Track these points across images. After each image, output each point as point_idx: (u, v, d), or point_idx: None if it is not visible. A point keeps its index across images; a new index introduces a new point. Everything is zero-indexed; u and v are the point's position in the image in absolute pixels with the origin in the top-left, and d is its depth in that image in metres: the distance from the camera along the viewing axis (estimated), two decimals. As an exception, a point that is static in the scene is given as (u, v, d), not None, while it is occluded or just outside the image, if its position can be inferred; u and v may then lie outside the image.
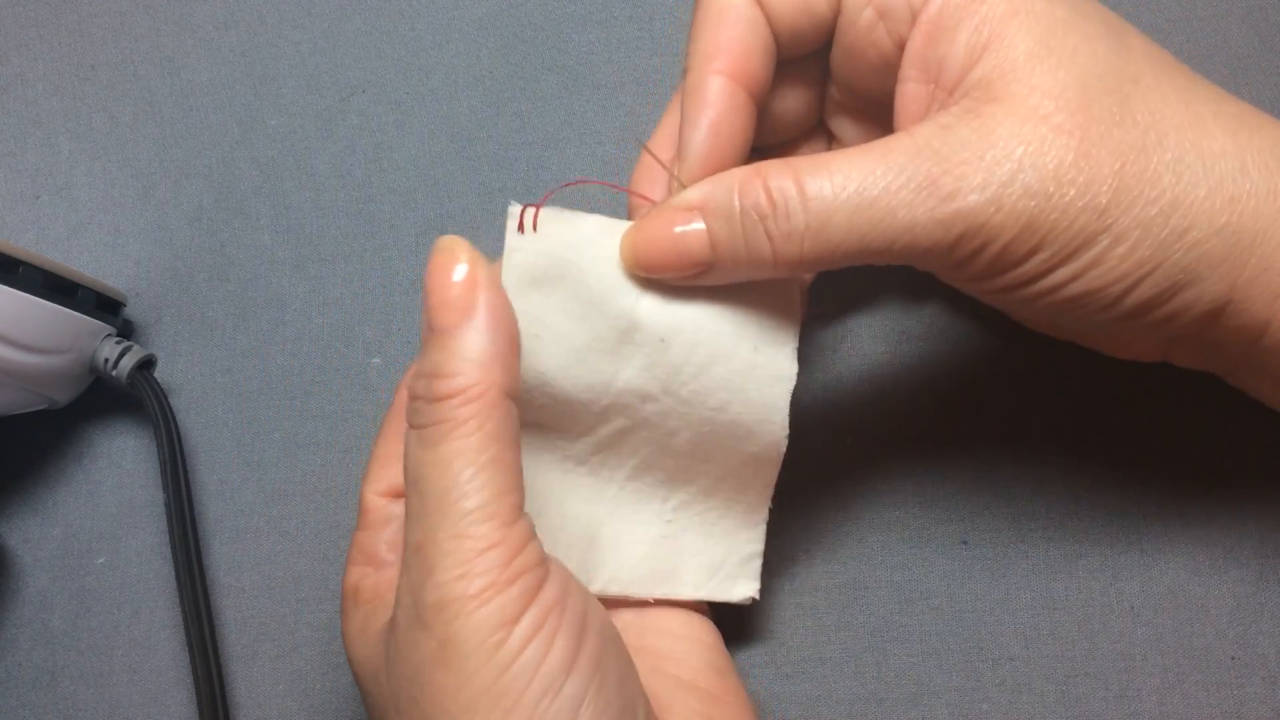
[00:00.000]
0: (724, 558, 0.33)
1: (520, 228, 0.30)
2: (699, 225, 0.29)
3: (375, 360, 0.41)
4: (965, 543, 0.37)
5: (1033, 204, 0.27)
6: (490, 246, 0.41)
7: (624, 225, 0.30)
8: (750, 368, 0.31)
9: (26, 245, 0.39)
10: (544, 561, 0.27)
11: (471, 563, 0.25)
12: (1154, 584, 0.36)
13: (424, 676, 0.26)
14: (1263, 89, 0.39)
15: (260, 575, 0.40)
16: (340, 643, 0.39)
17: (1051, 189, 0.27)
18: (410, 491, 0.27)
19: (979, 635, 0.37)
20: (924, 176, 0.27)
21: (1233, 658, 0.35)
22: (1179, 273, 0.28)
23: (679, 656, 0.33)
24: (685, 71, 0.31)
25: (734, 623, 0.36)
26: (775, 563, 0.34)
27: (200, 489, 0.41)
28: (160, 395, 0.39)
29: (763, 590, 0.34)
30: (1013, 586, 0.37)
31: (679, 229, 0.29)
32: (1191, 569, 0.36)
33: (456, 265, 0.27)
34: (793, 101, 0.34)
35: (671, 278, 0.30)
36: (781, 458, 0.32)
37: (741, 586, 0.33)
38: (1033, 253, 0.27)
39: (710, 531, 0.33)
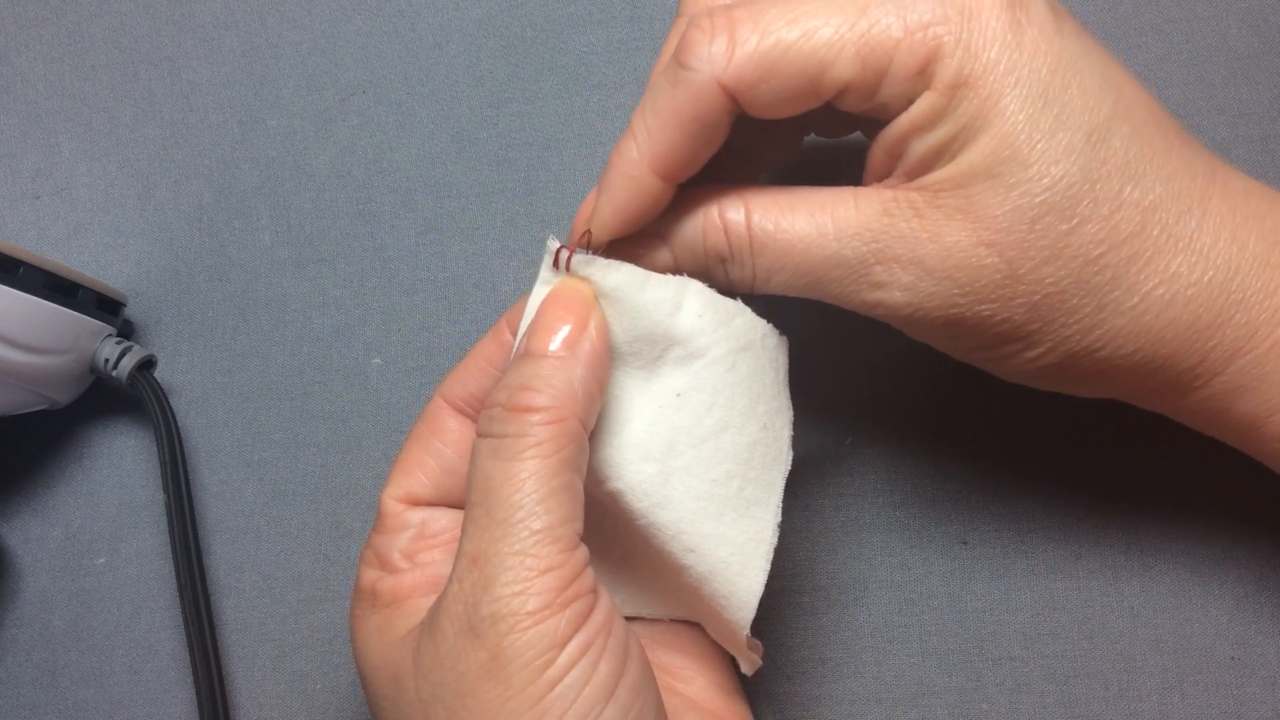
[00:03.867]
0: (724, 635, 0.32)
1: (555, 264, 0.30)
2: (665, 252, 0.31)
3: (375, 360, 0.41)
4: (965, 543, 0.37)
5: (951, 312, 0.29)
6: (489, 247, 0.41)
7: (656, 277, 0.30)
8: (757, 444, 0.30)
9: (27, 245, 0.39)
10: (595, 590, 0.27)
11: (531, 581, 0.26)
12: (1154, 584, 0.36)
13: (468, 686, 0.26)
14: (1262, 89, 0.39)
15: (260, 575, 0.40)
16: (340, 643, 0.39)
17: (970, 303, 0.28)
18: (475, 501, 0.27)
19: (979, 635, 0.37)
20: (857, 260, 0.29)
21: (1233, 658, 0.35)
22: (1088, 375, 0.30)
23: (689, 675, 0.33)
24: (617, 150, 0.30)
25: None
26: (775, 562, 0.34)
27: (200, 489, 0.41)
28: (160, 395, 0.39)
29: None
30: (1013, 586, 0.37)
31: (646, 251, 0.31)
32: (1191, 569, 0.36)
33: (573, 304, 0.29)
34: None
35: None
36: (772, 551, 0.31)
37: (741, 660, 0.33)
38: (949, 340, 0.30)
39: (707, 612, 0.32)
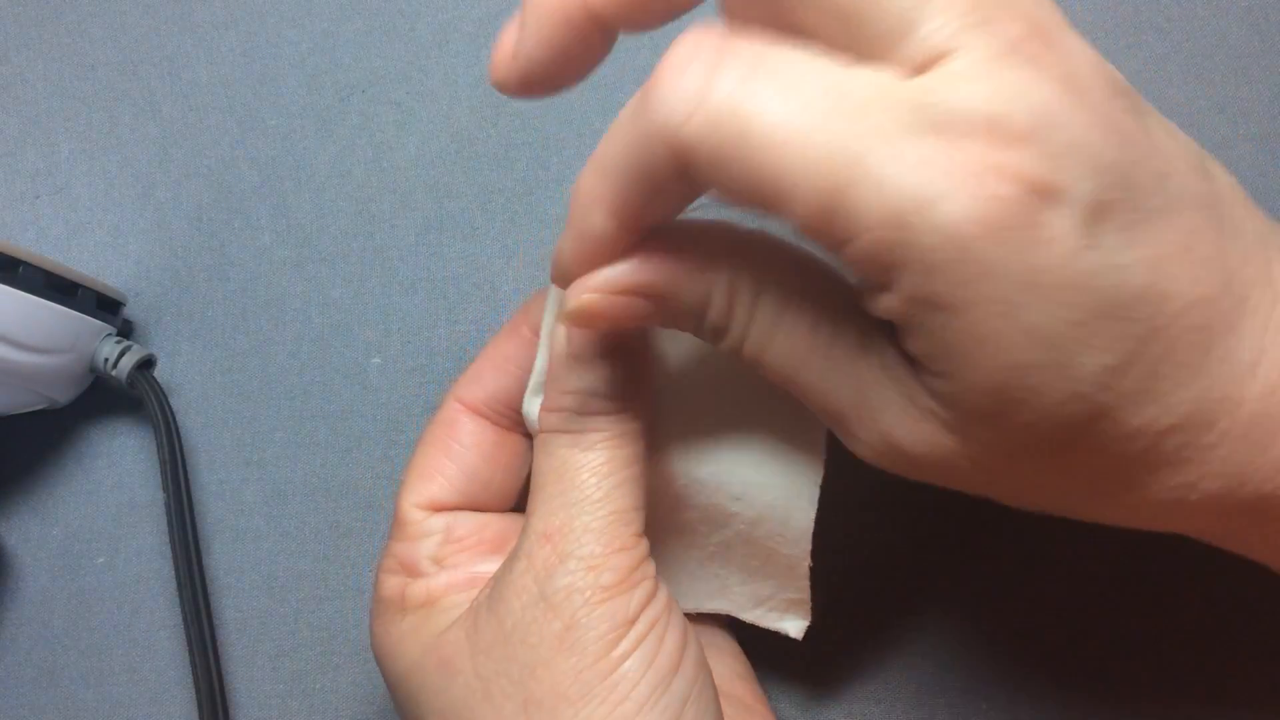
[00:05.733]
0: (772, 594, 0.32)
1: None
2: (649, 312, 0.26)
3: (375, 360, 0.41)
4: (966, 543, 0.37)
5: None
6: (489, 247, 0.41)
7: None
8: (785, 395, 0.30)
9: (26, 245, 0.40)
10: (656, 575, 0.28)
11: (606, 558, 0.27)
12: (1154, 583, 0.36)
13: (540, 657, 0.26)
14: (1262, 89, 0.39)
15: (260, 575, 0.40)
16: (340, 642, 0.39)
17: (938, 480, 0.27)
18: (545, 484, 0.28)
19: (979, 635, 0.37)
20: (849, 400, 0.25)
21: (1233, 657, 0.35)
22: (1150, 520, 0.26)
23: (709, 665, 0.33)
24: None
25: (733, 623, 0.36)
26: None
27: (200, 489, 0.41)
28: (160, 395, 0.39)
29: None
30: (1013, 586, 0.37)
31: (627, 305, 0.26)
32: (1192, 569, 0.36)
33: (604, 308, 0.28)
34: None
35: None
36: (816, 499, 0.30)
37: (789, 622, 0.33)
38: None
39: (755, 572, 0.32)
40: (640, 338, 0.29)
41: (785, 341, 0.25)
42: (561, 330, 0.29)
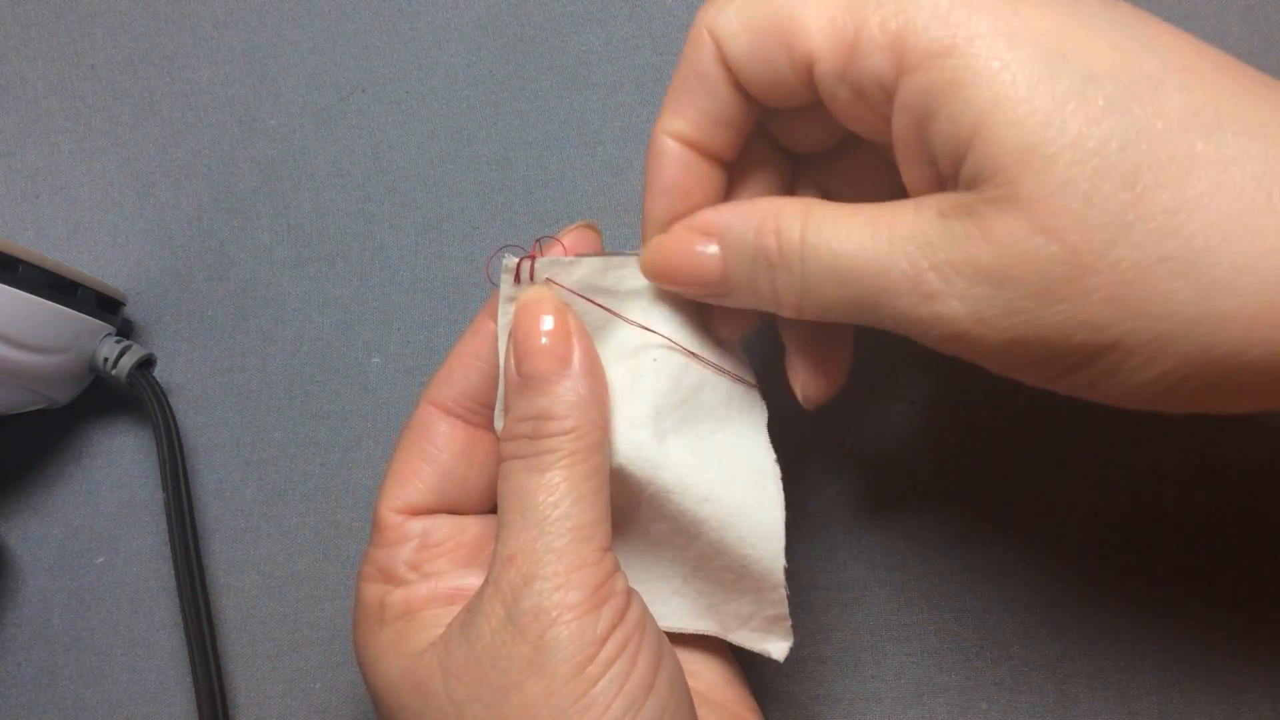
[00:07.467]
0: (752, 612, 0.32)
1: (516, 278, 0.30)
2: (714, 250, 0.29)
3: (375, 360, 0.41)
4: (965, 541, 0.37)
5: (1019, 320, 0.25)
6: (489, 246, 0.42)
7: (615, 259, 0.30)
8: (732, 395, 0.31)
9: (26, 244, 0.39)
10: (628, 590, 0.28)
11: (570, 576, 0.27)
12: (1155, 582, 0.36)
13: (510, 680, 0.26)
14: (1263, 88, 0.39)
15: (260, 575, 0.40)
16: (340, 642, 0.39)
17: (1037, 306, 0.24)
18: (508, 508, 0.28)
19: (979, 635, 0.37)
20: (910, 265, 0.25)
21: (1233, 657, 0.35)
22: (1218, 384, 0.24)
23: (695, 670, 0.33)
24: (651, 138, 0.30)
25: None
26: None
27: (200, 489, 0.41)
28: (160, 395, 0.39)
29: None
30: (1013, 586, 0.37)
31: (698, 249, 0.29)
32: (1192, 568, 0.36)
33: (545, 315, 0.29)
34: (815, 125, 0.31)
35: (688, 294, 0.30)
36: (779, 480, 0.30)
37: (772, 643, 0.32)
38: (1024, 365, 0.26)
39: (732, 587, 0.32)
40: (589, 345, 0.29)
41: (839, 245, 0.27)
42: (511, 355, 0.29)
